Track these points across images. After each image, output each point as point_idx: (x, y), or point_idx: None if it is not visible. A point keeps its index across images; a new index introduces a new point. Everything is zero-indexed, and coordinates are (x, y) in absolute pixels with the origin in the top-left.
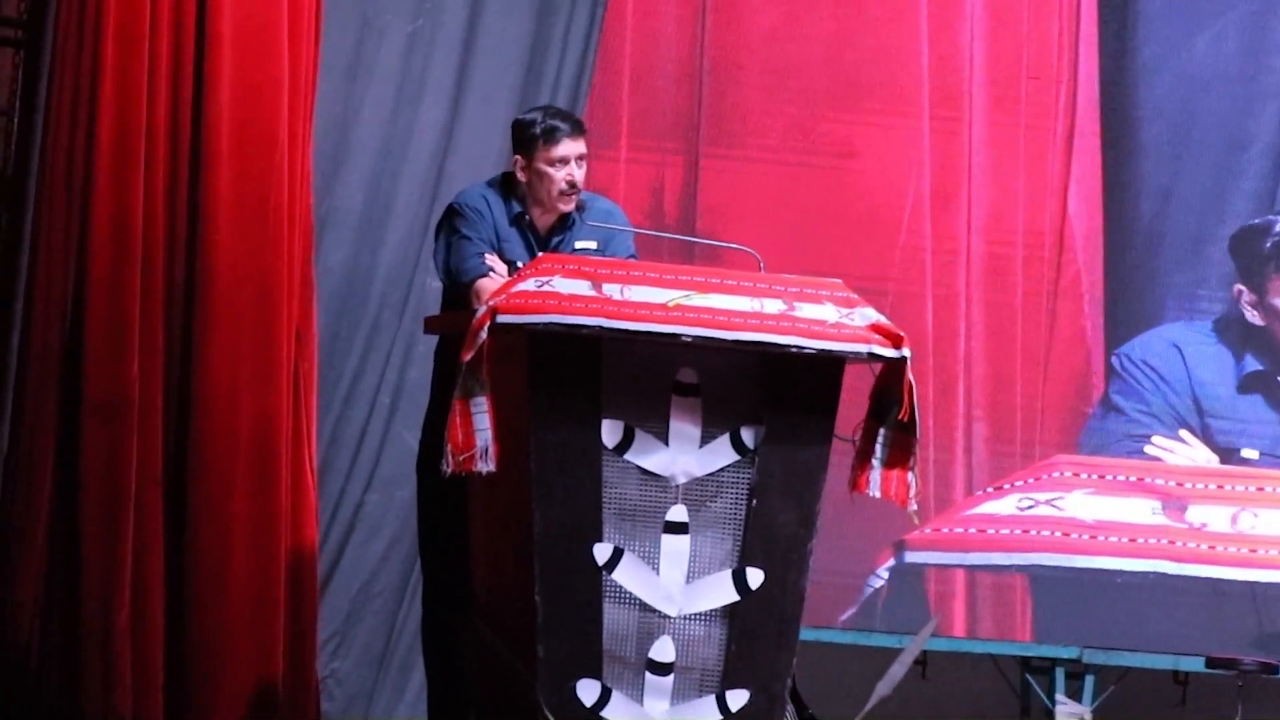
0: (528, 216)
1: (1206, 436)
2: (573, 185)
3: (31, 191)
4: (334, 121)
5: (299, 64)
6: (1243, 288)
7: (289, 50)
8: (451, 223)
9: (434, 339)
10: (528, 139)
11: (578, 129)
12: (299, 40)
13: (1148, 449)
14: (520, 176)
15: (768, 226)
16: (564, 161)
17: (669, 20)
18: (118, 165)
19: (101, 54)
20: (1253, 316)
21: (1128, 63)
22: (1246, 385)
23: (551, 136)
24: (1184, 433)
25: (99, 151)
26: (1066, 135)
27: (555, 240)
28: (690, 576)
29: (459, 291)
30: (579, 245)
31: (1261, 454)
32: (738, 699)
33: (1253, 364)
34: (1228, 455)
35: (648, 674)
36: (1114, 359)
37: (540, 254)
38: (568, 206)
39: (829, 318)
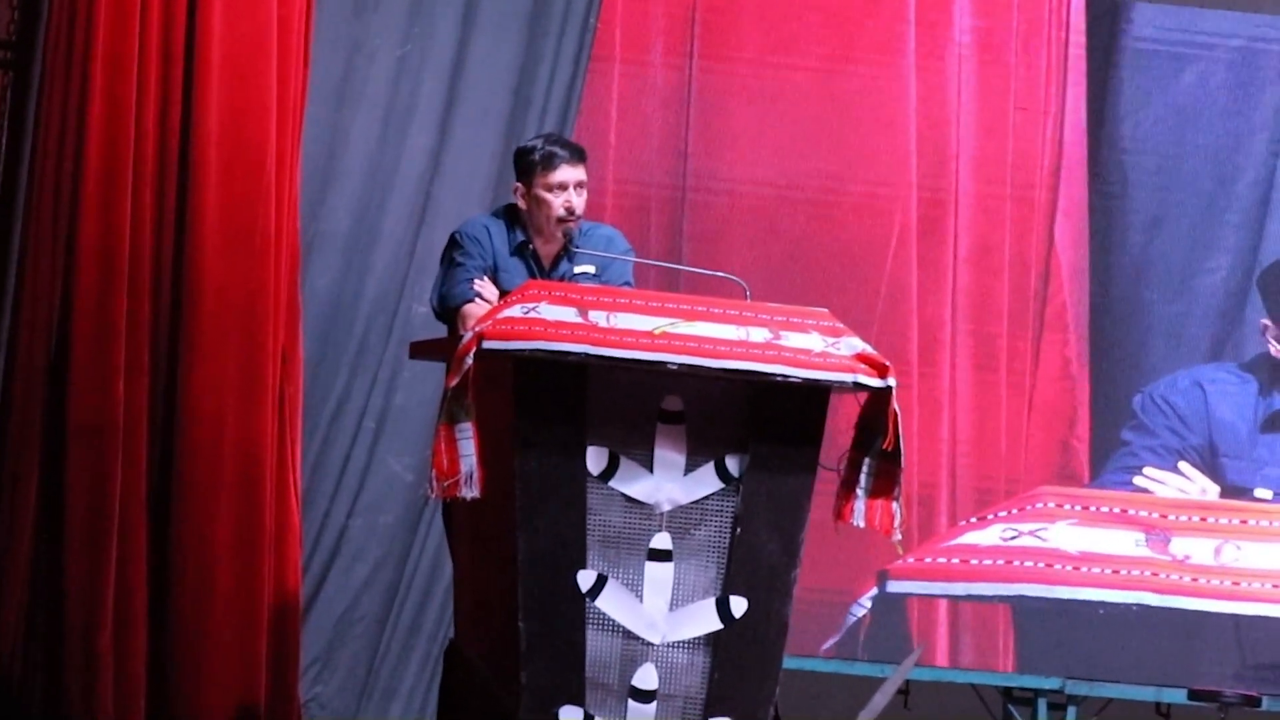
0: (531, 246)
1: (1221, 475)
2: (571, 212)
3: (19, 213)
4: (322, 145)
5: (287, 87)
6: (1268, 323)
7: (277, 74)
8: (449, 252)
9: (420, 364)
10: (527, 165)
11: (577, 155)
12: (288, 64)
13: (1138, 480)
14: (521, 204)
15: (754, 255)
16: (562, 188)
17: (657, 48)
18: (105, 187)
19: (90, 76)
20: (1277, 352)
21: (1115, 95)
22: (1271, 424)
23: (550, 163)
24: (1183, 465)
25: (87, 173)
26: (1053, 167)
27: (559, 269)
28: (674, 604)
29: (448, 317)
30: (578, 270)
31: (1275, 494)
32: None
33: (1279, 402)
34: (1241, 494)
35: (630, 701)
36: (1136, 399)
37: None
38: (568, 229)
39: (815, 347)
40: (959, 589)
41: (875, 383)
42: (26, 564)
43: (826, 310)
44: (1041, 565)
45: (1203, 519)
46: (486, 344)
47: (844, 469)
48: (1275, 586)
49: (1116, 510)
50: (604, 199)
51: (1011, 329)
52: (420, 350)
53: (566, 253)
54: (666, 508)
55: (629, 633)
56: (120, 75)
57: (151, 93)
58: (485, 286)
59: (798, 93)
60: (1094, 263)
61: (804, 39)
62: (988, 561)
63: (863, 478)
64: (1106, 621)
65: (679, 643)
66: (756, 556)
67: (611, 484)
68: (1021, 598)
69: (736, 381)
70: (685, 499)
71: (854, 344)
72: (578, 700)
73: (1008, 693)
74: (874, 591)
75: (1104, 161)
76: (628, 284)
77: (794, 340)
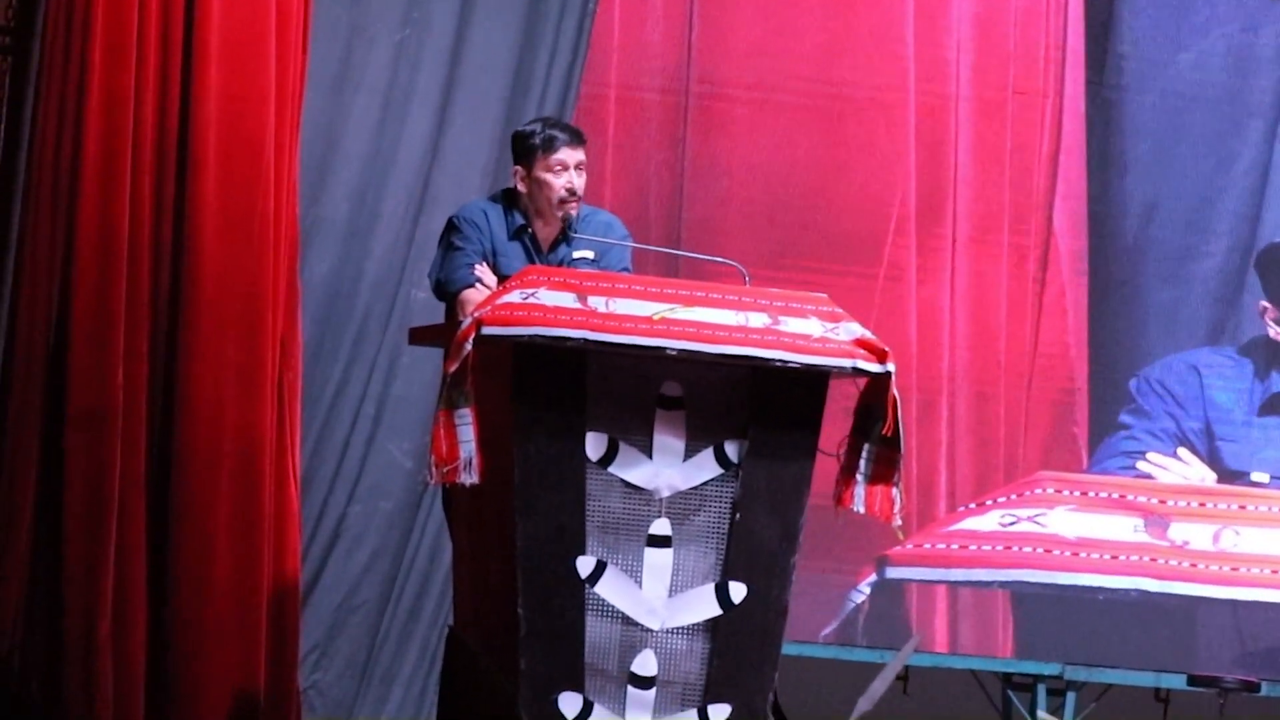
0: (530, 229)
1: (1217, 459)
2: (572, 192)
3: (18, 199)
4: (320, 131)
5: (286, 73)
6: (1268, 305)
7: (276, 59)
8: (447, 236)
9: (419, 349)
10: (527, 149)
11: (576, 138)
12: (286, 49)
13: (1140, 465)
14: (520, 188)
15: (753, 240)
16: (563, 168)
17: (656, 33)
18: (104, 173)
19: (89, 62)
20: (1276, 334)
21: (1113, 79)
22: (1270, 406)
23: (550, 145)
24: (1182, 451)
25: (85, 160)
26: (1052, 151)
27: (557, 253)
28: (673, 590)
29: (447, 302)
30: (576, 255)
31: (1272, 477)
32: (720, 713)
33: (1278, 384)
34: (1237, 478)
35: (629, 687)
36: (1132, 382)
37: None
38: (568, 213)
39: (814, 332)
40: (958, 575)
41: (874, 368)
42: (26, 552)
43: (825, 296)
44: (1040, 551)
45: (1201, 504)
46: (485, 329)
47: (843, 454)
48: (1274, 571)
49: (1115, 496)
50: (603, 183)
51: (1010, 313)
52: (419, 336)
53: (565, 237)
54: (666, 493)
55: (628, 619)
56: (119, 61)
57: (150, 79)
58: (485, 272)
59: (796, 77)
60: (1092, 247)
61: (802, 23)
62: (986, 547)
63: (862, 463)
64: (1105, 607)
65: (678, 629)
66: (756, 542)
67: (611, 470)
68: (1020, 583)
69: (735, 367)
70: (684, 485)
71: (853, 329)
72: (577, 686)
73: (1007, 678)
74: (873, 577)
75: (1102, 146)
76: (626, 269)
77: (793, 325)
